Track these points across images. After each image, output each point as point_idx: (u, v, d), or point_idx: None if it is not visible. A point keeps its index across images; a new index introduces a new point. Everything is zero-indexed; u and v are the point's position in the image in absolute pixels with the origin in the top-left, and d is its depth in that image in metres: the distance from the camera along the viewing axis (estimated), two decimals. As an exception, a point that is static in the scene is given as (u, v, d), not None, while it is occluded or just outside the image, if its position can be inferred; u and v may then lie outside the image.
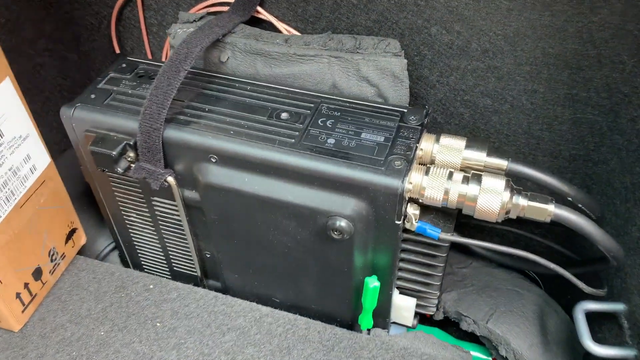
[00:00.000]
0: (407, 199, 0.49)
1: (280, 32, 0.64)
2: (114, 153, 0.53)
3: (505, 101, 0.61)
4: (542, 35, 0.55)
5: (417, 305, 0.61)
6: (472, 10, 0.56)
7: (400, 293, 0.60)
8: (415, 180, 0.49)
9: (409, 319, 0.61)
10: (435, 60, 0.61)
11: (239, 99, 0.56)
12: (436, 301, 0.61)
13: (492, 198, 0.48)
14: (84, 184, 0.64)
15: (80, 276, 0.68)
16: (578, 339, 0.54)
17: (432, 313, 0.62)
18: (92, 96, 0.56)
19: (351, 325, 0.63)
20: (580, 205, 0.55)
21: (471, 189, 0.49)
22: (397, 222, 0.50)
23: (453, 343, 0.66)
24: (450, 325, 0.70)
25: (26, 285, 0.61)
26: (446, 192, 0.49)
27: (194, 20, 0.62)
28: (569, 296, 0.67)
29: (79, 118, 0.55)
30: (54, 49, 0.76)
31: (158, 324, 0.63)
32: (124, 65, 0.60)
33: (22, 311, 0.62)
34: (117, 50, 0.76)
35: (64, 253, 0.66)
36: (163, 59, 0.71)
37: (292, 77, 0.58)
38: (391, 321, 0.62)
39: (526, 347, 0.62)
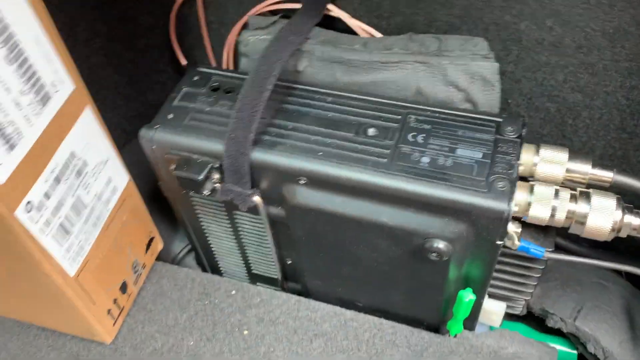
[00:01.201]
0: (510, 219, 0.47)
1: (352, 29, 0.61)
2: (200, 178, 0.52)
3: (597, 97, 0.58)
4: None
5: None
6: (567, 5, 0.52)
7: (490, 296, 0.59)
8: (519, 199, 0.47)
9: (497, 322, 0.61)
10: (522, 56, 0.57)
11: (321, 113, 0.54)
12: (524, 303, 0.60)
13: (603, 217, 0.46)
14: (151, 181, 0.62)
15: (162, 284, 0.68)
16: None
17: (519, 313, 0.62)
18: (170, 116, 0.55)
19: (437, 328, 0.63)
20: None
21: (580, 207, 0.46)
22: (498, 242, 0.48)
23: (538, 339, 0.66)
24: (532, 318, 0.69)
25: (115, 300, 0.62)
26: (553, 211, 0.47)
27: (267, 26, 0.59)
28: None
29: (160, 141, 0.54)
30: (110, 48, 0.74)
31: (245, 332, 0.63)
32: (196, 77, 0.58)
33: (113, 324, 0.63)
34: (182, 61, 0.74)
35: (144, 263, 0.67)
36: (224, 64, 0.68)
37: (374, 85, 0.55)
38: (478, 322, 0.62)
39: (616, 345, 0.62)
